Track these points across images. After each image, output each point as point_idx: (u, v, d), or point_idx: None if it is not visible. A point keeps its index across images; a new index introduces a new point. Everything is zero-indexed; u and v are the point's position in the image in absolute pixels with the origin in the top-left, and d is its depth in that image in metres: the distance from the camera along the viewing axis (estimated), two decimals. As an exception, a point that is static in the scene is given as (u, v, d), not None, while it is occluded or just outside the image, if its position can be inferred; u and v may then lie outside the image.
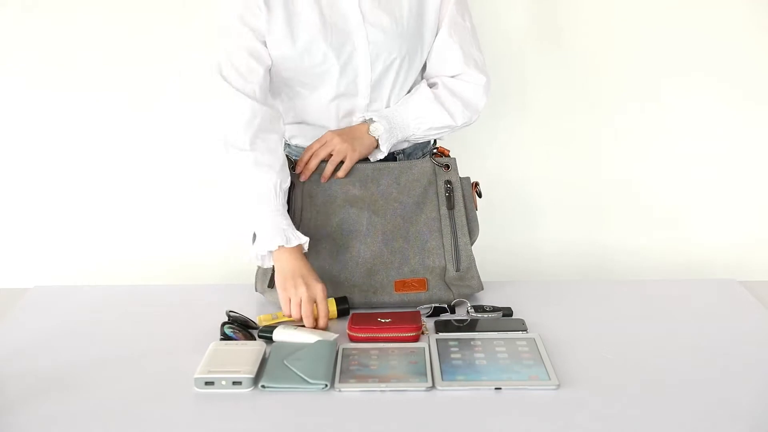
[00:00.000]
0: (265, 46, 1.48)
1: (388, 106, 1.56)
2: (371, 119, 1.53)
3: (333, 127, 1.55)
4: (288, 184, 1.47)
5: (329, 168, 1.51)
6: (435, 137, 1.61)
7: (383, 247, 1.48)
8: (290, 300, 1.37)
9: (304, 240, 1.41)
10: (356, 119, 1.55)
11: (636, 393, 1.15)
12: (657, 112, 2.11)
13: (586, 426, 1.07)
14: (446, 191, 1.52)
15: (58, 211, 2.14)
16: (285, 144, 1.61)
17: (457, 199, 1.52)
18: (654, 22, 2.06)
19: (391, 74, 1.53)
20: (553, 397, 1.14)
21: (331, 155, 1.51)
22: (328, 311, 1.38)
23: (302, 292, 1.36)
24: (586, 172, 2.16)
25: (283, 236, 1.40)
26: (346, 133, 1.52)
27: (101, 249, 2.16)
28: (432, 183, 1.52)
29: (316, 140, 1.53)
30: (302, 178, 1.51)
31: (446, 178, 1.53)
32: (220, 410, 1.12)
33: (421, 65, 1.59)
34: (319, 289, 1.37)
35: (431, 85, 1.58)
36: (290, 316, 1.37)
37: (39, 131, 2.09)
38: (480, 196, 1.57)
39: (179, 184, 2.13)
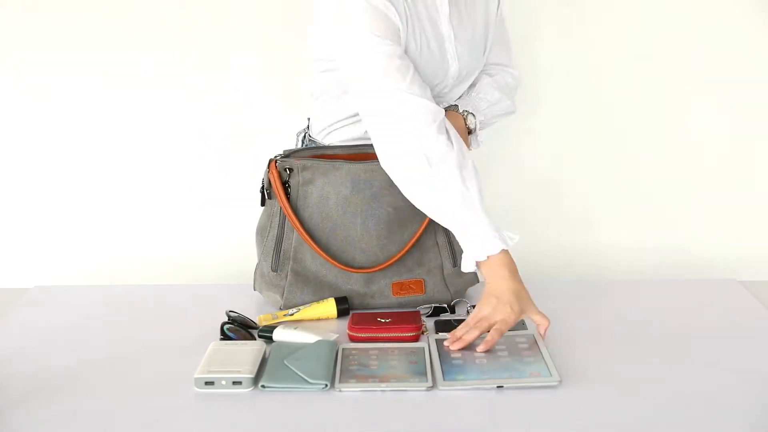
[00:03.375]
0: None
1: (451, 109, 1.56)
2: (467, 112, 1.53)
3: None
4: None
5: None
6: (492, 124, 1.62)
7: (378, 252, 1.46)
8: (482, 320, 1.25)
9: (516, 238, 1.30)
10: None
11: (636, 393, 1.15)
12: (657, 112, 2.11)
13: (586, 426, 1.07)
14: None
15: (58, 211, 2.14)
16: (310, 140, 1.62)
17: None
18: (656, 25, 2.06)
19: (466, 82, 1.56)
20: (554, 398, 1.14)
21: None
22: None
23: (507, 315, 1.24)
24: (586, 171, 2.16)
25: (494, 239, 1.26)
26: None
27: (101, 249, 2.15)
28: None
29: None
30: None
31: None
32: (220, 410, 1.12)
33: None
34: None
35: (485, 72, 1.62)
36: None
37: (39, 131, 2.09)
38: None
39: (179, 184, 2.13)
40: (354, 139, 1.53)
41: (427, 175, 1.31)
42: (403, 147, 1.33)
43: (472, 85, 1.61)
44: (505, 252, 1.30)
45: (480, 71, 1.59)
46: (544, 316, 1.29)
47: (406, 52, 1.40)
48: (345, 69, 1.41)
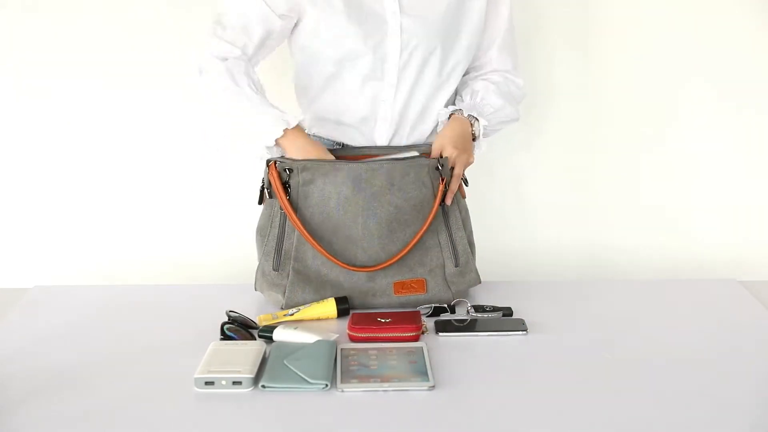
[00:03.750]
0: (279, 19, 1.53)
1: (412, 94, 1.57)
2: (473, 117, 1.56)
3: (356, 118, 1.59)
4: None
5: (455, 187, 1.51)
6: (496, 132, 1.64)
7: (380, 251, 1.46)
8: None
9: (301, 117, 1.50)
10: (438, 113, 1.60)
11: (636, 393, 1.15)
12: (657, 111, 2.11)
13: (586, 425, 1.07)
14: (437, 188, 1.49)
15: (58, 211, 2.14)
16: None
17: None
18: (656, 25, 2.06)
19: (419, 62, 1.55)
20: (554, 397, 1.14)
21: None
22: None
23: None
24: (586, 171, 2.16)
25: (282, 121, 1.47)
26: (460, 140, 1.53)
27: (101, 249, 2.16)
28: (426, 184, 1.48)
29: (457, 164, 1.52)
30: (449, 201, 1.51)
31: (438, 176, 1.51)
32: (220, 410, 1.12)
33: (461, 58, 1.60)
34: None
35: (489, 79, 1.63)
36: None
37: (39, 131, 2.09)
38: (467, 184, 1.57)
39: (179, 183, 2.13)
40: (334, 114, 1.60)
41: (202, 84, 1.51)
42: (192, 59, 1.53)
43: (476, 92, 1.61)
44: (298, 127, 1.50)
45: (438, 51, 1.56)
46: None
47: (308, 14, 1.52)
48: None
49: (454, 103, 1.63)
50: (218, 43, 1.50)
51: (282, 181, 1.45)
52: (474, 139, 1.57)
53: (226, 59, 1.50)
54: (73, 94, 2.07)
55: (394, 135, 1.61)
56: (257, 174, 1.55)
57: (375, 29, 1.52)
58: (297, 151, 1.48)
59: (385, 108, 1.58)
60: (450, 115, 1.58)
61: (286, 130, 1.47)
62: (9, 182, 2.12)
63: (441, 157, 1.51)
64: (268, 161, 1.47)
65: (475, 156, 1.58)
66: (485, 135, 1.61)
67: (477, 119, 1.56)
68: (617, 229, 2.19)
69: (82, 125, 2.09)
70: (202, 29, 1.56)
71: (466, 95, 1.63)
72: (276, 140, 1.47)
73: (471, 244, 1.55)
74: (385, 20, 1.52)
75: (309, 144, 1.50)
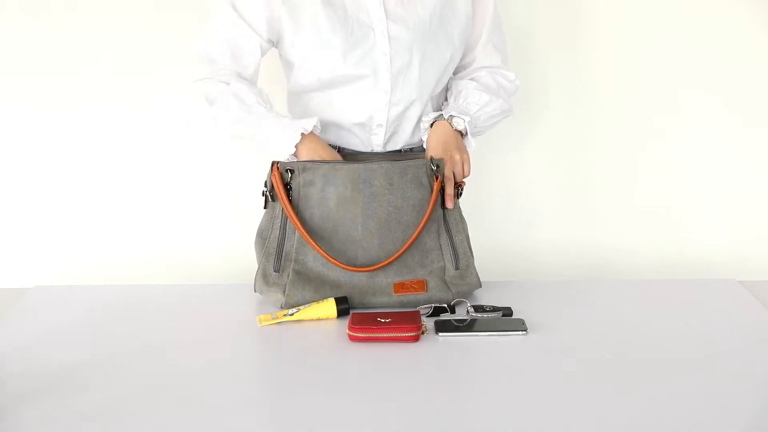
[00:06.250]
0: (267, 43, 1.57)
1: (406, 99, 1.58)
2: (451, 116, 1.57)
3: (351, 123, 1.60)
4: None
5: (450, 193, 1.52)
6: (492, 126, 1.66)
7: (380, 251, 1.47)
8: None
9: (314, 120, 1.52)
10: (413, 120, 1.61)
11: (636, 393, 1.15)
12: (656, 111, 2.11)
13: (585, 425, 1.07)
14: (438, 191, 1.50)
15: (58, 211, 2.14)
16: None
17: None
18: (656, 25, 2.06)
19: (410, 67, 1.56)
20: (554, 397, 1.14)
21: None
22: None
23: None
24: (586, 171, 2.16)
25: (298, 127, 1.50)
26: (447, 145, 1.54)
27: (101, 249, 2.16)
28: (425, 184, 1.49)
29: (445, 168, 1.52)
30: (450, 205, 1.51)
31: (437, 178, 1.51)
32: (220, 410, 1.12)
33: (450, 59, 1.61)
34: None
35: (474, 78, 1.64)
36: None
37: (38, 131, 2.09)
38: (459, 195, 1.56)
39: (179, 184, 2.13)
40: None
41: (210, 113, 1.56)
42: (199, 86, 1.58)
43: (459, 93, 1.63)
44: (312, 134, 1.54)
45: (429, 55, 1.58)
46: None
47: (298, 29, 1.55)
48: None
49: (444, 102, 1.65)
50: (217, 74, 1.55)
51: (284, 183, 1.46)
52: (463, 136, 1.58)
53: (229, 83, 1.54)
54: (72, 94, 2.07)
55: (389, 140, 1.63)
56: (258, 174, 1.55)
57: (363, 39, 1.53)
58: (309, 153, 1.50)
59: (381, 114, 1.59)
60: (432, 124, 1.59)
61: (303, 135, 1.50)
62: (9, 182, 2.12)
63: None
64: (272, 162, 1.48)
65: (468, 152, 1.58)
66: (478, 132, 1.62)
67: (458, 117, 1.57)
68: (617, 229, 2.19)
69: (81, 125, 2.09)
70: (201, 30, 1.56)
71: (450, 98, 1.65)
72: (296, 145, 1.50)
73: (469, 249, 1.55)
74: (372, 28, 1.54)
75: (322, 148, 1.53)
